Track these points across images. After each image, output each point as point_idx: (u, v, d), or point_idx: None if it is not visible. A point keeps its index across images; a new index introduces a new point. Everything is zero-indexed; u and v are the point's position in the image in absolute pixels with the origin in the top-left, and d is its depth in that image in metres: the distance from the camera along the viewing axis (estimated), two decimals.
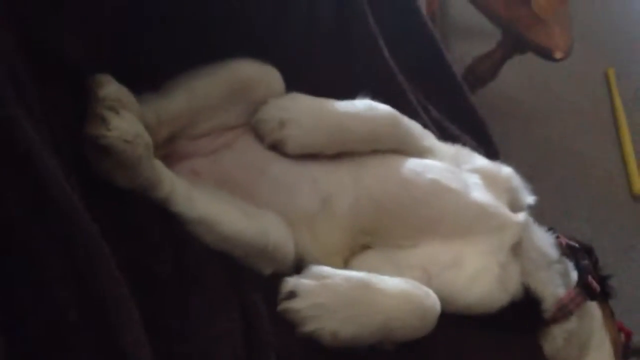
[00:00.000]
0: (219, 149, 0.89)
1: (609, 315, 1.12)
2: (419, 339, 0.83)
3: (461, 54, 2.55)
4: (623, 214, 3.14)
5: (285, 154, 0.89)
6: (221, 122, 0.89)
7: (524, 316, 0.94)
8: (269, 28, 0.95)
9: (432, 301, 0.82)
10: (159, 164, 0.74)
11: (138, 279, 0.64)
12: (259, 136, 0.90)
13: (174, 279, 0.70)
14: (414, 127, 1.00)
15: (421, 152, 0.98)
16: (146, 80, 0.81)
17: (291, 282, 0.78)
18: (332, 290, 0.77)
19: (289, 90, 0.93)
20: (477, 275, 0.89)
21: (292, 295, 0.77)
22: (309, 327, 0.75)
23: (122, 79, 0.74)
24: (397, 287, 0.80)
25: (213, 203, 0.78)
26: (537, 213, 1.07)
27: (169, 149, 0.86)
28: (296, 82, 0.93)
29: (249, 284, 0.78)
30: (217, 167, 0.88)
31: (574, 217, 2.79)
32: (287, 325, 0.76)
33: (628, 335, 2.26)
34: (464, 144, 1.10)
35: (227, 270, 0.77)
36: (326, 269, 0.79)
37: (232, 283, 0.76)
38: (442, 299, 0.87)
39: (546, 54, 1.92)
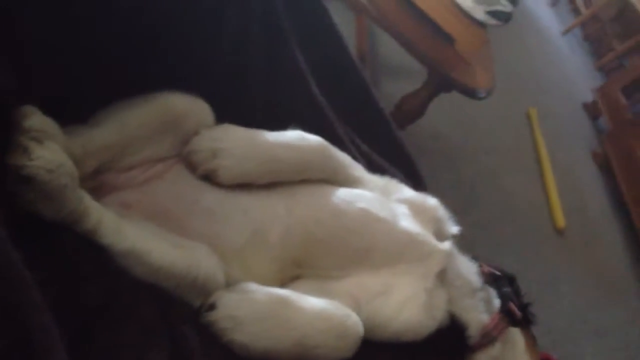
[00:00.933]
0: (150, 181, 0.89)
1: (531, 341, 1.15)
2: None
3: (390, 93, 2.62)
4: (548, 248, 3.25)
5: (217, 185, 0.89)
6: (151, 153, 0.89)
7: (450, 342, 0.97)
8: (200, 63, 0.96)
9: (353, 322, 0.83)
10: (85, 196, 0.73)
11: (66, 310, 0.63)
12: (191, 167, 0.90)
13: (104, 310, 0.69)
14: (344, 157, 1.02)
15: (351, 182, 1.00)
16: (74, 112, 0.80)
17: (214, 295, 0.79)
18: (251, 304, 0.78)
19: (218, 123, 0.93)
20: (405, 302, 0.92)
21: (212, 307, 0.77)
22: (223, 339, 0.76)
23: (49, 111, 0.73)
24: (317, 306, 0.81)
25: (142, 235, 0.77)
26: (467, 247, 1.11)
27: (97, 181, 0.84)
28: (226, 115, 0.94)
29: (180, 315, 0.78)
30: (148, 199, 0.87)
31: (502, 251, 2.86)
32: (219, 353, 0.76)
33: None
34: (393, 176, 1.12)
35: (158, 302, 0.77)
36: (252, 285, 0.81)
37: (163, 314, 0.75)
38: (373, 327, 0.89)
39: (470, 93, 1.99)
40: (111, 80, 0.84)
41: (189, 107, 0.90)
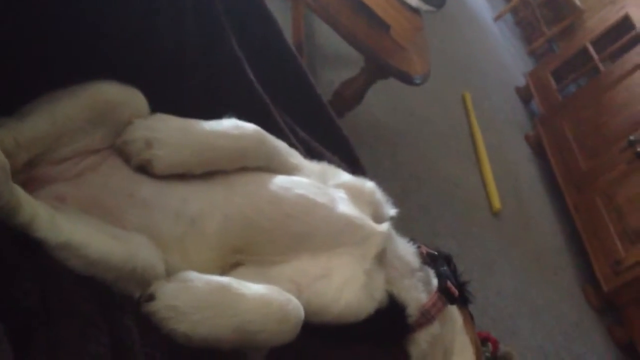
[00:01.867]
0: (84, 173, 0.87)
1: (469, 320, 1.19)
2: (294, 352, 0.85)
3: (328, 81, 2.64)
4: (485, 230, 3.33)
5: (153, 175, 0.88)
6: (85, 145, 0.87)
7: (390, 322, 0.99)
8: (133, 53, 0.94)
9: (293, 307, 0.83)
10: (18, 189, 0.71)
11: (2, 307, 0.62)
12: (126, 157, 0.89)
13: (41, 309, 0.68)
14: (281, 145, 1.02)
15: (288, 170, 1.00)
16: (4, 104, 0.78)
17: (153, 285, 0.78)
18: (190, 292, 0.77)
19: (153, 113, 0.92)
20: (345, 284, 0.93)
21: (151, 297, 0.77)
22: (164, 328, 0.76)
23: None
24: (257, 292, 0.81)
25: (78, 227, 0.75)
26: (406, 232, 1.13)
27: (30, 174, 0.82)
28: (160, 105, 0.93)
29: (120, 306, 0.77)
30: (83, 191, 0.85)
31: (440, 235, 2.92)
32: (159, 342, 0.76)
33: (495, 344, 2.39)
34: (330, 162, 1.13)
35: (98, 294, 0.76)
36: (192, 274, 0.80)
37: (103, 307, 0.74)
38: (314, 310, 0.90)
39: (406, 79, 2.02)
40: (42, 72, 0.82)
41: (123, 96, 0.88)
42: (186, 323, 0.76)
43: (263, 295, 0.82)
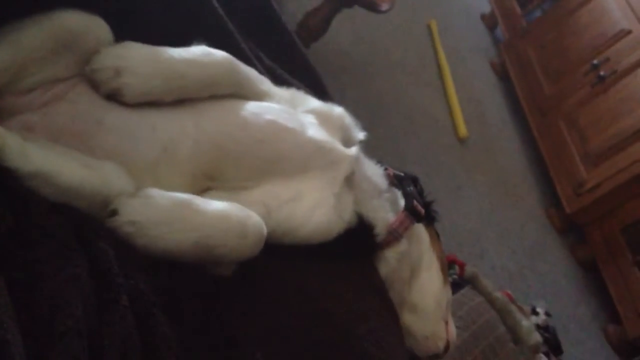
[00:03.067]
0: (52, 102, 0.86)
1: (435, 237, 1.24)
2: (260, 270, 0.88)
3: (293, 11, 2.61)
4: (451, 157, 3.39)
5: (122, 103, 0.88)
6: (51, 74, 0.86)
7: (359, 241, 1.03)
8: None
9: (254, 222, 0.85)
10: None
11: None
12: (94, 86, 0.88)
13: (16, 233, 0.69)
14: (251, 72, 1.02)
15: (258, 96, 1.01)
16: None
17: (115, 201, 0.79)
18: (152, 208, 0.79)
19: (117, 41, 0.92)
20: (315, 206, 0.96)
21: (114, 213, 0.78)
22: (130, 243, 0.78)
23: None
24: (217, 208, 0.83)
25: (49, 156, 0.76)
26: (373, 159, 1.16)
27: None
28: (125, 33, 0.92)
29: (95, 231, 0.78)
30: (51, 120, 0.85)
31: (408, 162, 2.97)
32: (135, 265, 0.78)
33: (461, 267, 2.47)
34: (298, 89, 1.14)
35: (72, 221, 0.77)
36: (155, 190, 0.81)
37: (78, 232, 0.76)
38: (284, 232, 0.93)
39: (372, 6, 2.01)
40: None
41: (86, 24, 0.87)
42: (147, 238, 0.77)
43: (222, 211, 0.83)
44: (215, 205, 0.84)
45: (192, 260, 0.82)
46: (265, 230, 0.87)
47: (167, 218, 0.79)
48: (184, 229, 0.79)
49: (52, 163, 0.75)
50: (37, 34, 0.83)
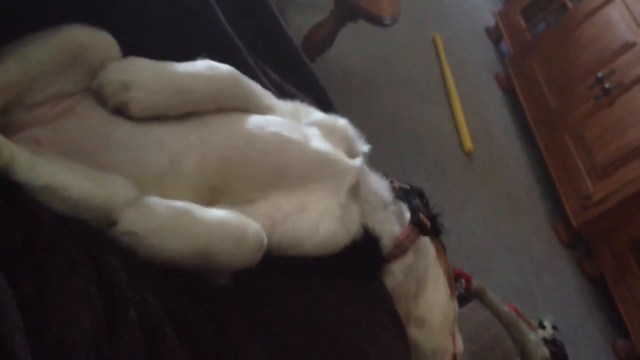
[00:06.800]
0: (60, 117, 0.87)
1: (441, 250, 1.23)
2: (268, 287, 0.88)
3: (298, 25, 2.62)
4: (457, 172, 3.38)
5: (129, 117, 0.89)
6: (59, 88, 0.87)
7: (365, 254, 1.03)
8: None
9: (253, 230, 0.86)
10: None
11: None
12: (101, 100, 0.89)
13: (27, 247, 0.70)
14: (255, 86, 1.03)
15: (262, 110, 1.01)
16: None
17: (115, 211, 0.79)
18: (151, 217, 0.79)
19: (124, 56, 0.93)
20: (321, 217, 0.96)
21: (114, 223, 0.78)
22: (133, 252, 0.78)
23: None
24: (216, 215, 0.84)
25: (58, 170, 0.76)
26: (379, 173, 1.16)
27: (5, 120, 0.83)
28: (131, 48, 0.93)
29: (104, 245, 0.79)
30: (60, 135, 0.86)
31: (413, 177, 2.97)
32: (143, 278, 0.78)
33: (468, 281, 2.46)
34: (302, 101, 1.15)
35: (81, 235, 0.77)
36: (153, 199, 0.81)
37: (87, 247, 0.76)
38: (290, 244, 0.93)
39: (376, 20, 2.02)
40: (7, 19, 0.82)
41: (94, 39, 0.88)
42: (147, 246, 0.78)
43: (221, 218, 0.84)
44: (214, 213, 0.84)
45: (194, 269, 0.83)
46: (264, 238, 0.87)
47: (167, 226, 0.80)
48: (184, 237, 0.80)
49: (60, 177, 0.76)
50: (46, 48, 0.84)
